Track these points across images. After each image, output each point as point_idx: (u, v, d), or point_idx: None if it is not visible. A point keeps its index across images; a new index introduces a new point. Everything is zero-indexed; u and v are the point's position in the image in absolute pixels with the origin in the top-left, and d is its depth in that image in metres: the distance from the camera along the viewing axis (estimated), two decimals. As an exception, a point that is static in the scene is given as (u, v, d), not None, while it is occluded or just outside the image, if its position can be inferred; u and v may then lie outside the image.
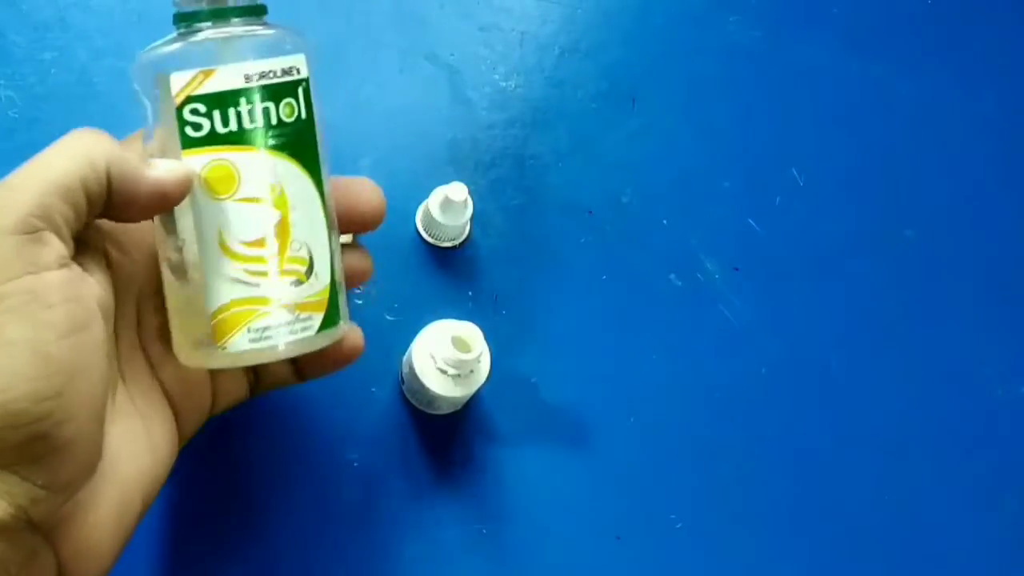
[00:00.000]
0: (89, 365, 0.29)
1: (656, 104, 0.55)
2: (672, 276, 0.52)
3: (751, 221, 0.54)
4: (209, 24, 0.33)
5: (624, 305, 0.51)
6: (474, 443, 0.47)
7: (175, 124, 0.32)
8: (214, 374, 0.38)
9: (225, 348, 0.33)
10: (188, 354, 0.34)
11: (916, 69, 0.60)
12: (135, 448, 0.33)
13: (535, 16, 0.56)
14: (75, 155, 0.29)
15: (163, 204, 0.32)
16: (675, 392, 0.50)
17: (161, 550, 0.42)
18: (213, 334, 0.33)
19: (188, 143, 0.32)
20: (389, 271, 0.48)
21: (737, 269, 0.53)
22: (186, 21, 0.33)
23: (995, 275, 0.56)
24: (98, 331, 0.29)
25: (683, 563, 0.47)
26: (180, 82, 0.32)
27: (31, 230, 0.28)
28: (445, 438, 0.47)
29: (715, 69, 0.57)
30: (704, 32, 0.58)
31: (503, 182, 0.52)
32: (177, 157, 0.32)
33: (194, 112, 0.32)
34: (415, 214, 0.50)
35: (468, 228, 0.50)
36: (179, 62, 0.32)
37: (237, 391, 0.39)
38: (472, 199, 0.47)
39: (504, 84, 0.54)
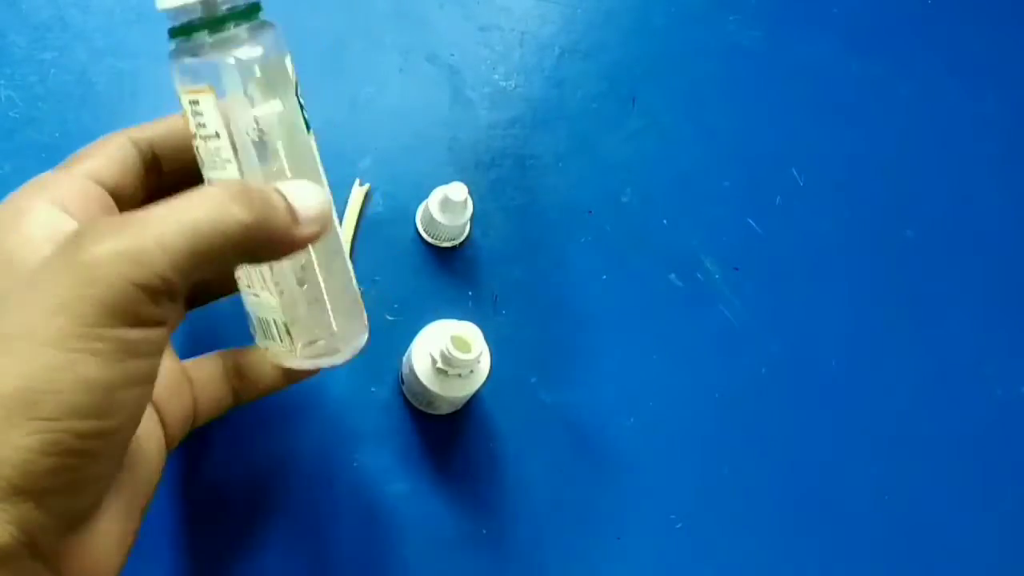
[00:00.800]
0: (137, 415, 0.28)
1: (656, 104, 0.55)
2: (672, 276, 0.52)
3: (751, 221, 0.54)
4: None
5: (624, 305, 0.51)
6: (474, 443, 0.47)
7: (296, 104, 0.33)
8: (199, 382, 0.38)
9: (340, 351, 0.36)
10: (300, 360, 0.35)
11: (916, 69, 0.60)
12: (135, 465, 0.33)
13: (535, 16, 0.56)
14: (227, 226, 0.28)
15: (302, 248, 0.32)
16: (675, 392, 0.50)
17: (161, 551, 0.42)
18: (337, 339, 0.35)
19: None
20: (389, 271, 0.49)
21: (737, 269, 0.53)
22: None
23: (995, 275, 0.56)
24: (153, 386, 0.29)
25: (683, 563, 0.47)
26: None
27: (155, 288, 0.27)
28: (445, 438, 0.47)
29: (715, 69, 0.57)
30: (704, 32, 0.58)
31: (503, 182, 0.52)
32: (301, 130, 0.33)
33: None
34: (415, 214, 0.50)
35: (468, 228, 0.50)
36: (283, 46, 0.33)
37: (222, 398, 0.38)
38: (472, 199, 0.47)
39: (504, 84, 0.54)
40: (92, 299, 0.26)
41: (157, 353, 0.28)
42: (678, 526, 0.47)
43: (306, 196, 0.30)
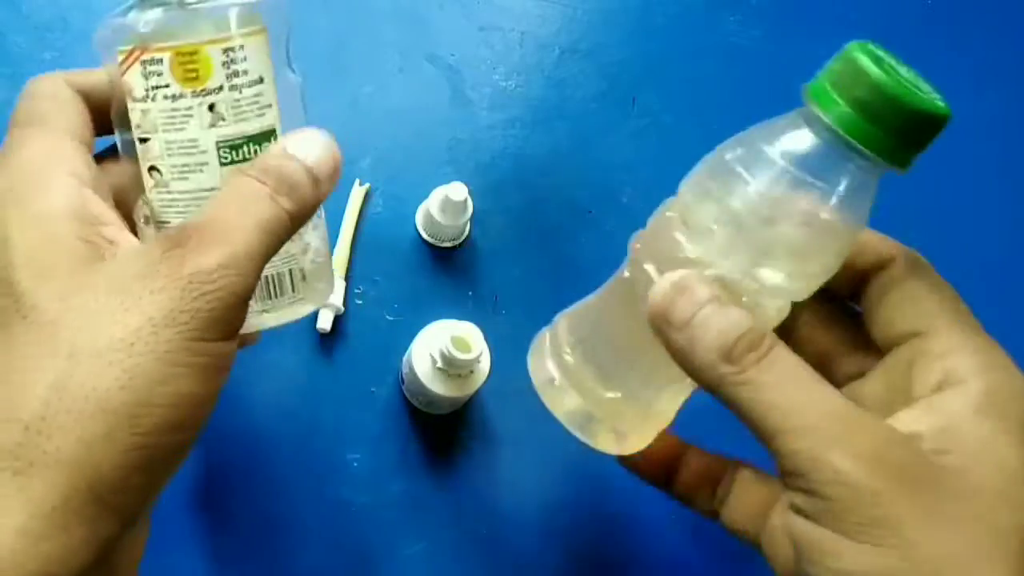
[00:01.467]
0: (205, 426, 0.28)
1: (656, 104, 0.55)
2: (672, 276, 0.52)
3: (751, 221, 0.54)
4: None
5: (624, 305, 0.51)
6: (474, 443, 0.47)
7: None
8: None
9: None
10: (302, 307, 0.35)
11: (916, 69, 0.60)
12: None
13: (535, 16, 0.56)
14: (281, 220, 0.28)
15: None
16: (675, 392, 0.50)
17: (160, 550, 0.42)
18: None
19: None
20: (389, 271, 0.49)
21: (737, 269, 0.53)
22: None
23: (996, 275, 0.56)
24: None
25: (684, 563, 0.47)
26: None
27: (249, 296, 0.27)
28: (445, 438, 0.47)
29: (715, 69, 0.57)
30: (704, 32, 0.58)
31: (503, 182, 0.52)
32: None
33: None
34: (415, 214, 0.50)
35: (468, 228, 0.50)
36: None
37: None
38: (472, 199, 0.47)
39: (504, 84, 0.54)
40: (200, 313, 0.26)
41: (231, 367, 0.28)
42: (679, 526, 0.47)
43: (316, 151, 0.30)
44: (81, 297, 0.26)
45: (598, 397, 0.33)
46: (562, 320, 0.36)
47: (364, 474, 0.45)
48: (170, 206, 0.31)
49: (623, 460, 0.37)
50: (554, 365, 0.34)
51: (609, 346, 0.33)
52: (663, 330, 0.29)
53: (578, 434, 0.34)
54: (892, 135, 0.29)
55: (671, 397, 0.34)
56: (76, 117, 0.31)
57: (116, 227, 0.29)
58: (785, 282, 0.30)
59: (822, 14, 0.60)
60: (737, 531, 0.37)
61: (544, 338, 0.36)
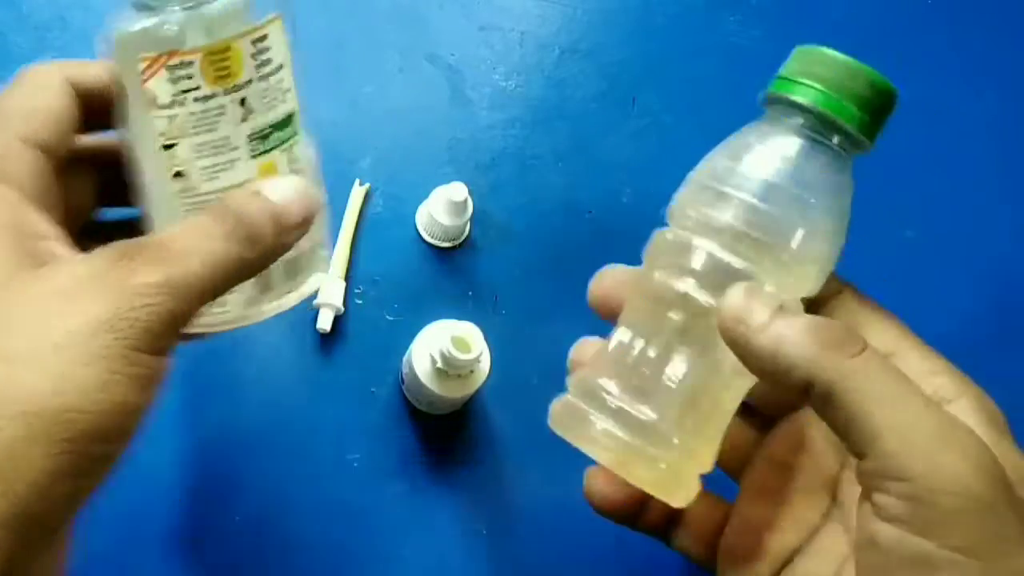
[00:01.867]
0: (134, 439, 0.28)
1: (656, 104, 0.55)
2: (672, 276, 0.52)
3: (751, 221, 0.54)
4: None
5: (624, 305, 0.51)
6: (474, 443, 0.47)
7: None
8: None
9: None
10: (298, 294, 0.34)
11: (916, 69, 0.60)
12: None
13: (535, 16, 0.56)
14: (234, 264, 0.28)
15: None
16: (675, 392, 0.50)
17: (161, 549, 0.42)
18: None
19: None
20: (389, 271, 0.49)
21: (737, 269, 0.53)
22: None
23: (995, 275, 0.56)
24: None
25: (683, 562, 0.47)
26: None
27: (186, 318, 0.27)
28: (445, 438, 0.47)
29: (715, 69, 0.57)
30: (704, 32, 0.58)
31: (503, 182, 0.52)
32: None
33: None
34: (415, 214, 0.50)
35: (468, 228, 0.50)
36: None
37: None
38: (472, 199, 0.47)
39: (504, 84, 0.54)
40: (139, 324, 0.26)
41: (162, 386, 0.28)
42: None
43: (287, 195, 0.30)
44: (17, 302, 0.26)
45: (679, 449, 0.31)
46: (591, 379, 0.32)
47: (364, 474, 0.45)
48: (199, 208, 0.30)
49: (601, 506, 0.35)
50: (619, 427, 0.31)
51: (679, 394, 0.31)
52: (741, 336, 0.28)
53: (658, 494, 0.31)
54: (865, 110, 0.31)
55: (721, 440, 0.33)
56: (48, 117, 0.30)
57: (58, 241, 0.29)
58: (802, 276, 0.30)
59: (822, 14, 0.60)
60: (690, 553, 0.36)
61: (572, 405, 0.32)
